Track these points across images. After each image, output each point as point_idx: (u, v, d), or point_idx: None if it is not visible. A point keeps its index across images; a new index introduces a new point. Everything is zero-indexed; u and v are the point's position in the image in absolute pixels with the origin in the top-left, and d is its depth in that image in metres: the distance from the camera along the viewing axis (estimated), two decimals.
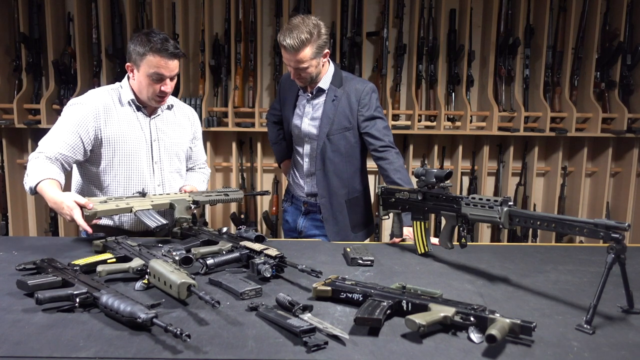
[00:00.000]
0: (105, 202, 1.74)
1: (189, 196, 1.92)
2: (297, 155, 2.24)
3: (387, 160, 2.06)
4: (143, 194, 1.82)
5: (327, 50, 2.04)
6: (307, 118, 2.15)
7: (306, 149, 2.18)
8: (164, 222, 1.76)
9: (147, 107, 1.97)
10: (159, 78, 1.84)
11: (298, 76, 2.02)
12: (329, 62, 2.12)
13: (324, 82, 2.10)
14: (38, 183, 1.70)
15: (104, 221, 1.93)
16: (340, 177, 2.14)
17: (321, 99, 2.12)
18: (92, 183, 1.94)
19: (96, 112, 1.86)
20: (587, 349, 1.11)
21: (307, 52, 1.94)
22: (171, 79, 1.88)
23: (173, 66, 1.85)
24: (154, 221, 1.75)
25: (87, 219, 1.67)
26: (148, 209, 1.78)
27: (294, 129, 2.20)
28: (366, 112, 2.07)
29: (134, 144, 1.92)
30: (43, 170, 1.73)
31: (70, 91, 3.32)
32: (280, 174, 3.49)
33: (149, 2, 3.29)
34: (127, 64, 1.89)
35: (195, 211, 1.91)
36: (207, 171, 2.26)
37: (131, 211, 1.76)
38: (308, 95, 2.14)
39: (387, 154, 2.07)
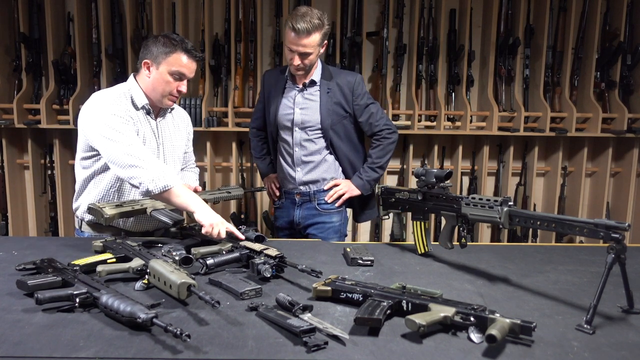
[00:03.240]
0: (121, 205, 1.77)
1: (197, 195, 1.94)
2: (285, 145, 2.28)
3: (372, 152, 2.26)
4: None
5: (326, 41, 2.15)
6: (298, 108, 2.22)
7: (296, 137, 2.23)
8: (181, 217, 1.80)
9: (153, 110, 1.97)
10: (180, 77, 1.88)
11: (300, 63, 2.10)
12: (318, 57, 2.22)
13: (316, 75, 2.21)
14: (176, 185, 1.72)
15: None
16: (349, 161, 2.28)
17: (314, 91, 2.21)
18: (111, 186, 1.92)
19: (128, 115, 1.85)
20: (587, 349, 1.11)
21: (316, 37, 2.06)
22: (187, 80, 1.94)
23: (194, 68, 1.91)
24: (171, 218, 1.78)
25: (106, 221, 1.72)
26: (162, 208, 1.82)
27: (282, 120, 2.24)
28: (360, 100, 2.22)
29: (149, 146, 1.94)
30: (173, 173, 1.80)
31: (70, 91, 3.32)
32: None
33: (149, 2, 3.29)
34: (145, 60, 1.87)
35: None
36: (197, 171, 2.30)
37: (146, 212, 1.80)
38: (299, 87, 2.22)
39: (373, 147, 2.26)
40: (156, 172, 1.71)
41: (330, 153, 2.25)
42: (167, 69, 1.85)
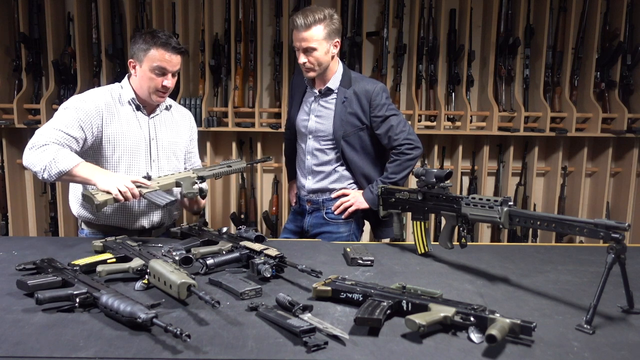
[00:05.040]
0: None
1: (194, 172, 1.96)
2: (300, 152, 2.25)
3: (388, 166, 2.12)
4: (148, 178, 1.84)
5: (338, 39, 2.05)
6: (314, 115, 2.16)
7: (309, 145, 2.18)
8: (172, 198, 1.80)
9: (146, 106, 1.99)
10: (162, 72, 1.88)
11: (305, 60, 2.03)
12: (339, 62, 2.13)
13: (333, 82, 2.12)
14: (75, 166, 1.72)
15: (100, 220, 1.94)
16: (364, 175, 2.17)
17: (330, 99, 2.13)
18: None
19: (99, 109, 1.89)
20: (587, 349, 1.11)
21: (318, 30, 1.97)
22: (173, 74, 1.93)
23: (176, 61, 1.90)
24: (163, 199, 1.78)
25: (97, 207, 1.69)
26: (155, 190, 1.81)
27: (299, 126, 2.21)
28: (379, 112, 2.09)
29: (134, 141, 1.95)
30: (71, 154, 1.76)
31: (70, 91, 3.32)
32: (280, 174, 3.49)
33: (149, 2, 3.29)
34: (130, 60, 1.93)
35: (203, 185, 1.93)
36: None
37: (140, 195, 1.78)
38: (316, 93, 2.15)
39: (390, 161, 2.12)
40: (47, 160, 1.71)
41: (342, 165, 2.16)
42: (149, 65, 1.87)
